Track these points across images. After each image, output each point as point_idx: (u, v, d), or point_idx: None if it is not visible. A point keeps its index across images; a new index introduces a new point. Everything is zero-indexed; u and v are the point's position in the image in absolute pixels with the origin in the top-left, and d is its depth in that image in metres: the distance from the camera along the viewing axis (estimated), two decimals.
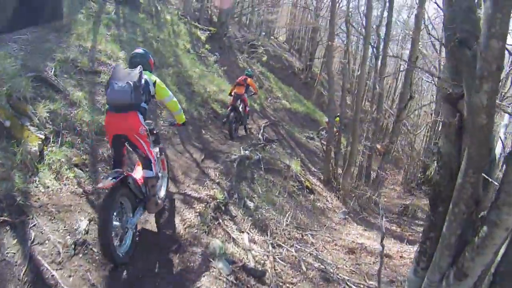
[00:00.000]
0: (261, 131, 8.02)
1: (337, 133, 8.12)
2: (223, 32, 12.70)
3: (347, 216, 6.29)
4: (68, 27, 5.55)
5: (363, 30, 7.90)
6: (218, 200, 3.96)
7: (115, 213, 2.49)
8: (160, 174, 3.25)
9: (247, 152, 5.90)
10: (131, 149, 2.88)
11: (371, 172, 8.89)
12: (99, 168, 3.48)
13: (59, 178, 2.95)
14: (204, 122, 7.01)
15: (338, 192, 7.19)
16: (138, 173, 2.98)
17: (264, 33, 20.22)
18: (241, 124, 7.30)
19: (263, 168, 5.74)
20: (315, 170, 8.13)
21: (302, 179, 6.49)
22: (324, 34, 19.08)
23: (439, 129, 10.69)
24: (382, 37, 9.68)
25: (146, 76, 2.85)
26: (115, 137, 2.73)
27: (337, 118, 8.99)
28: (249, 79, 7.24)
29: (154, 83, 2.96)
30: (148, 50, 3.18)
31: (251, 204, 4.55)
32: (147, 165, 2.83)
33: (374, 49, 9.82)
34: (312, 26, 18.09)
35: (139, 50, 3.07)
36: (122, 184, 2.55)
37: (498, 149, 2.53)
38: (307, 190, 6.36)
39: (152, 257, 2.76)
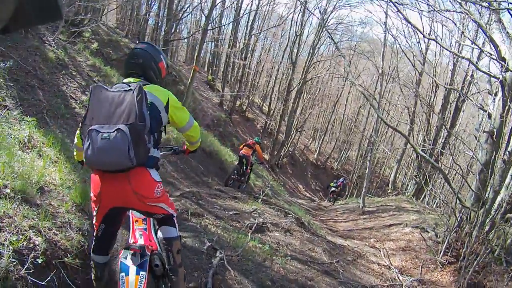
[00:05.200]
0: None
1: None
2: None
3: None
4: None
5: None
6: None
7: None
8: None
9: None
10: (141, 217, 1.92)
11: None
12: None
13: None
14: None
15: None
16: (142, 240, 1.88)
17: (89, 14, 13.22)
18: (244, 182, 7.46)
19: None
20: None
21: None
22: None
23: None
24: None
25: (152, 95, 1.65)
26: (112, 210, 1.62)
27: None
28: (257, 145, 7.26)
29: (167, 105, 1.71)
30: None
31: None
32: (168, 221, 1.80)
33: None
34: None
35: (142, 45, 1.83)
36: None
37: None
38: None
39: None
